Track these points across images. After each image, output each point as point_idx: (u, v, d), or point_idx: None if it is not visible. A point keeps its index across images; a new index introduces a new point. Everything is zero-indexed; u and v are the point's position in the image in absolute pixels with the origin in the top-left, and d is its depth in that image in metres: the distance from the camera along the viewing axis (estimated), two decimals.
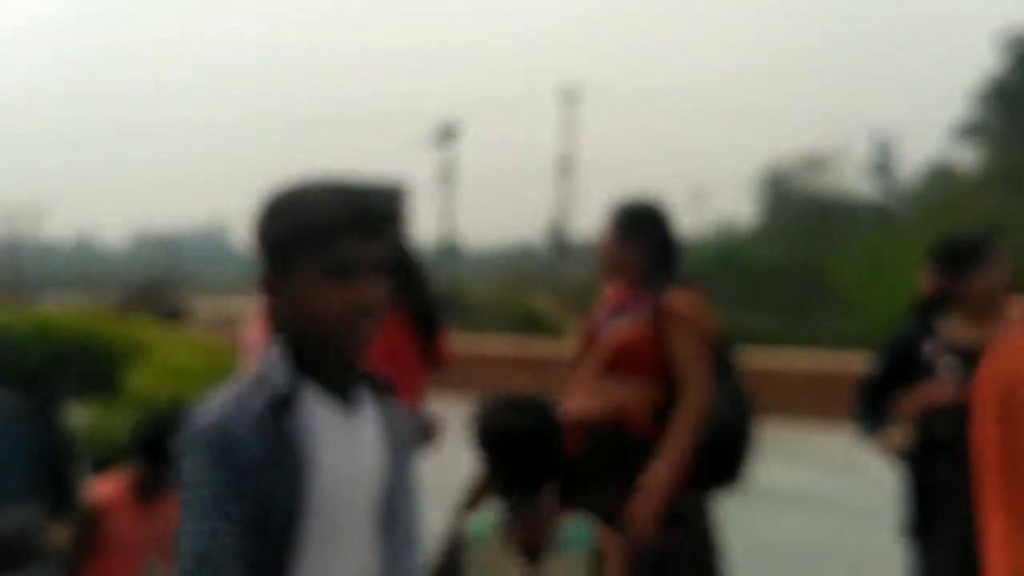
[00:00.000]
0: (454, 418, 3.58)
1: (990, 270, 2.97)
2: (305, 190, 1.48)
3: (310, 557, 1.43)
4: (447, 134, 30.89)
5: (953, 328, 3.03)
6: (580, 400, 2.98)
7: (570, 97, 36.26)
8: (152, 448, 2.98)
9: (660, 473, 2.82)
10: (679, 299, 2.89)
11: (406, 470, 1.63)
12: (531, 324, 17.22)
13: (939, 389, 2.95)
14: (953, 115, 40.09)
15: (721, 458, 2.91)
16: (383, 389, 1.62)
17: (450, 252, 31.81)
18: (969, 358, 2.86)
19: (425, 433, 4.30)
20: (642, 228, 3.00)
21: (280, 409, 1.42)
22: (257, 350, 3.57)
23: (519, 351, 11.89)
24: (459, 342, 5.22)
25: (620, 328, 2.94)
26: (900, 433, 3.16)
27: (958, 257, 3.03)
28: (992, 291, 2.97)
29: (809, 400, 9.79)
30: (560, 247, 31.79)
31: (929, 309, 3.12)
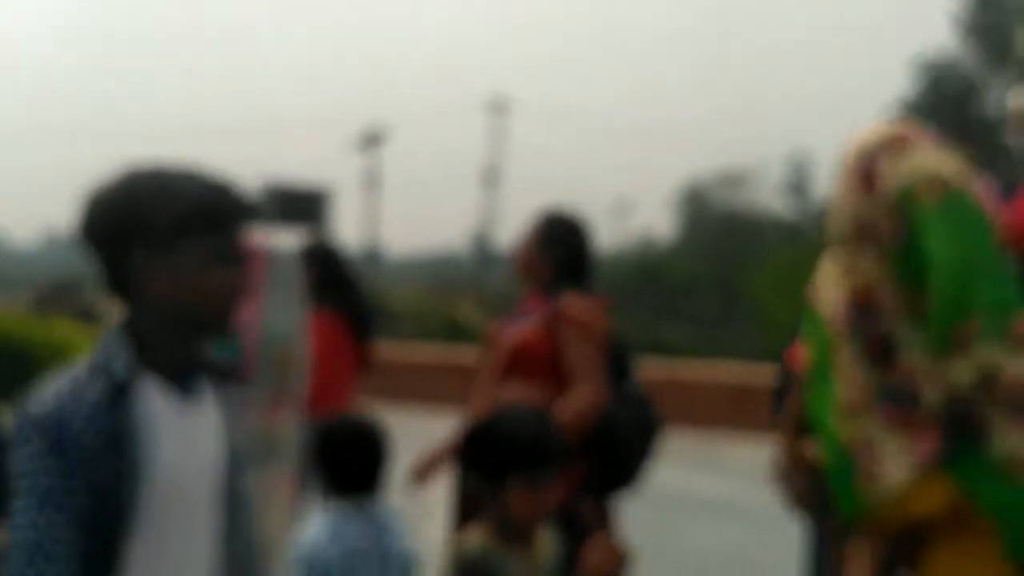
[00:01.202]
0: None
1: None
2: (178, 175, 1.46)
3: (145, 548, 1.41)
4: (372, 140, 30.69)
5: None
6: (477, 404, 3.01)
7: (498, 109, 36.42)
8: None
9: None
10: (575, 304, 2.94)
11: (242, 462, 1.61)
12: (455, 332, 17.27)
13: None
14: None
15: (615, 464, 2.92)
16: (223, 379, 1.60)
17: (373, 258, 31.62)
18: None
19: None
20: (557, 238, 3.07)
21: (118, 397, 1.39)
22: None
23: (443, 358, 11.91)
24: (382, 349, 5.24)
25: (517, 332, 2.99)
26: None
27: None
28: None
29: (725, 411, 10.05)
30: (484, 256, 31.89)
31: None
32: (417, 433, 6.52)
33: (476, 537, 2.00)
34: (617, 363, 3.05)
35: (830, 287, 1.76)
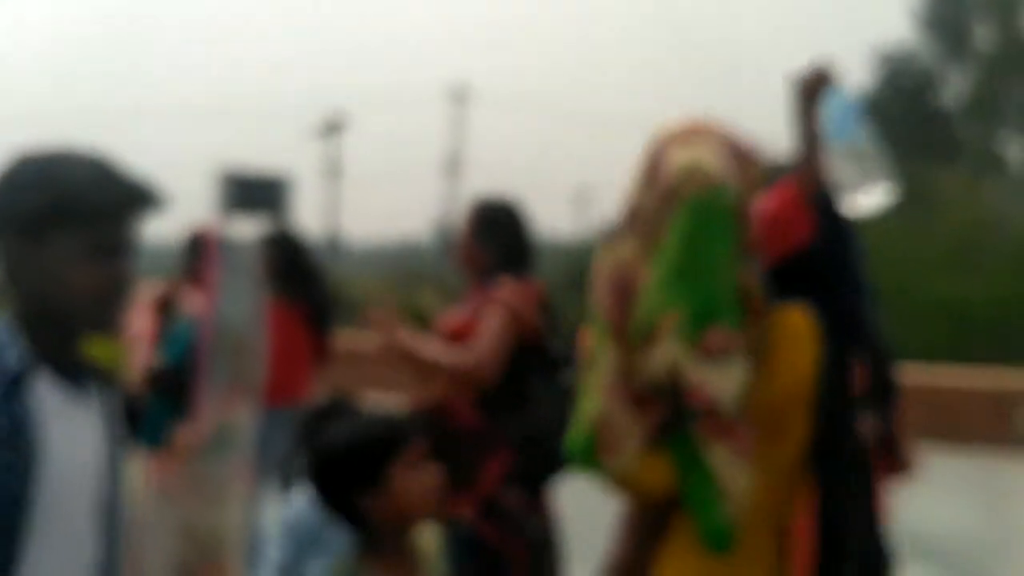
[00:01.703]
0: None
1: None
2: (62, 162, 1.37)
3: (35, 548, 1.34)
4: (332, 128, 30.47)
5: None
6: (415, 391, 3.01)
7: (458, 97, 36.32)
8: None
9: (409, 347, 2.91)
10: (505, 288, 2.91)
11: (122, 463, 1.56)
12: (416, 321, 17.23)
13: None
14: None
15: (540, 453, 2.89)
16: (106, 378, 1.53)
17: (334, 247, 31.43)
18: None
19: None
20: (493, 225, 3.05)
21: (11, 390, 1.33)
22: (143, 341, 3.55)
23: None
24: (343, 339, 5.24)
25: (449, 319, 3.00)
26: None
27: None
28: None
29: None
30: (446, 245, 31.82)
31: None
32: None
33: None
34: (553, 355, 3.00)
35: (604, 273, 1.81)
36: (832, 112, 1.95)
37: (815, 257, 1.94)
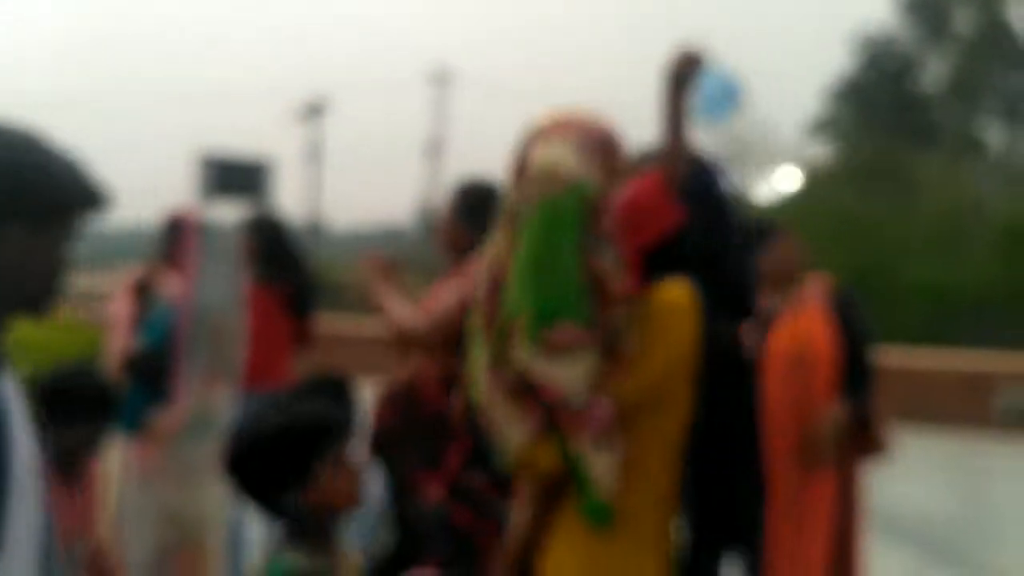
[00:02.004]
0: None
1: (775, 250, 3.33)
2: (10, 150, 1.35)
3: (11, 540, 1.31)
4: (313, 111, 30.28)
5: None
6: (391, 374, 3.01)
7: (441, 80, 36.15)
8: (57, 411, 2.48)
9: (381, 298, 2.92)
10: (475, 264, 2.91)
11: (40, 455, 1.50)
12: None
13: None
14: (808, 112, 42.08)
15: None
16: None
17: (315, 231, 31.32)
18: (764, 322, 3.27)
19: None
20: (477, 208, 3.00)
21: None
22: (121, 325, 3.53)
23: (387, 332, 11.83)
24: (326, 323, 5.22)
25: (425, 299, 2.98)
26: None
27: (754, 238, 3.47)
28: (779, 267, 3.33)
29: None
30: (429, 229, 31.76)
31: None
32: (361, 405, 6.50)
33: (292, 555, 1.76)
34: None
35: (482, 267, 1.89)
36: (706, 91, 1.97)
37: (687, 240, 2.00)
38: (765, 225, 3.51)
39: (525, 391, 1.81)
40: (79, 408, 2.55)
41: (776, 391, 3.22)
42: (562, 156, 1.80)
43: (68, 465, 2.55)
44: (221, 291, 3.40)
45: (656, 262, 1.92)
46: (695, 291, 1.91)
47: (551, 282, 1.78)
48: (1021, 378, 9.03)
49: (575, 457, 1.80)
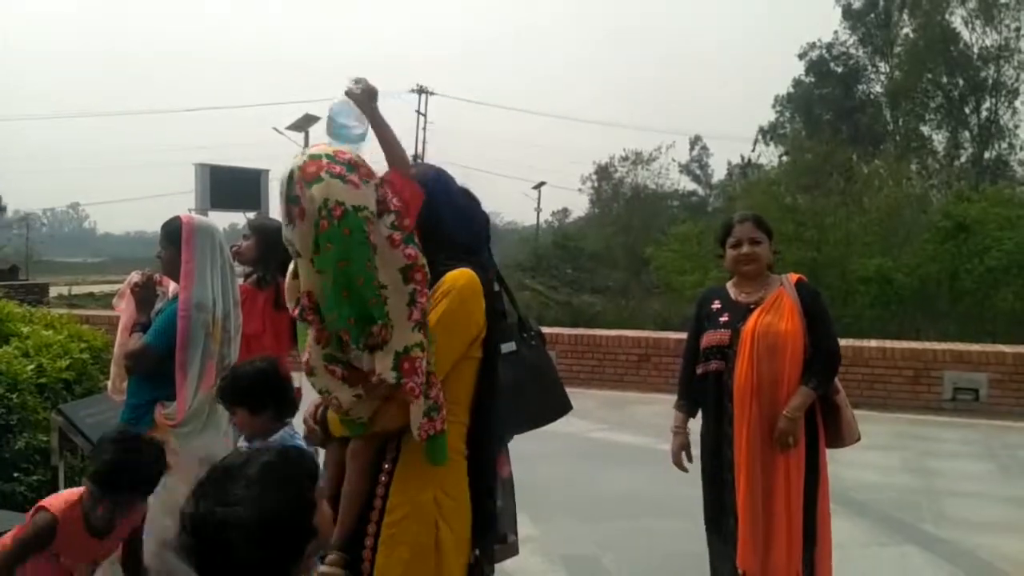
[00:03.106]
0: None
1: (732, 245, 3.41)
2: None
3: None
4: (307, 122, 30.06)
5: (732, 288, 3.49)
6: None
7: (423, 91, 36.09)
8: (107, 483, 2.64)
9: None
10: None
11: None
12: None
13: (715, 334, 3.38)
14: (760, 120, 42.42)
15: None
16: None
17: None
18: (738, 311, 3.37)
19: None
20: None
21: None
22: (127, 326, 3.49)
23: None
24: None
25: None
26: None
27: (719, 236, 3.53)
28: (733, 261, 3.41)
29: (640, 372, 10.22)
30: None
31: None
32: None
33: None
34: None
35: (294, 289, 2.14)
36: (338, 118, 2.21)
37: (444, 232, 2.23)
38: (729, 220, 3.53)
39: (356, 374, 2.10)
40: (134, 487, 2.72)
41: (744, 375, 3.26)
42: (333, 187, 1.98)
43: (110, 524, 2.74)
44: (217, 292, 3.37)
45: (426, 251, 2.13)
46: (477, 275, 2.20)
47: (360, 298, 2.01)
48: (962, 363, 9.13)
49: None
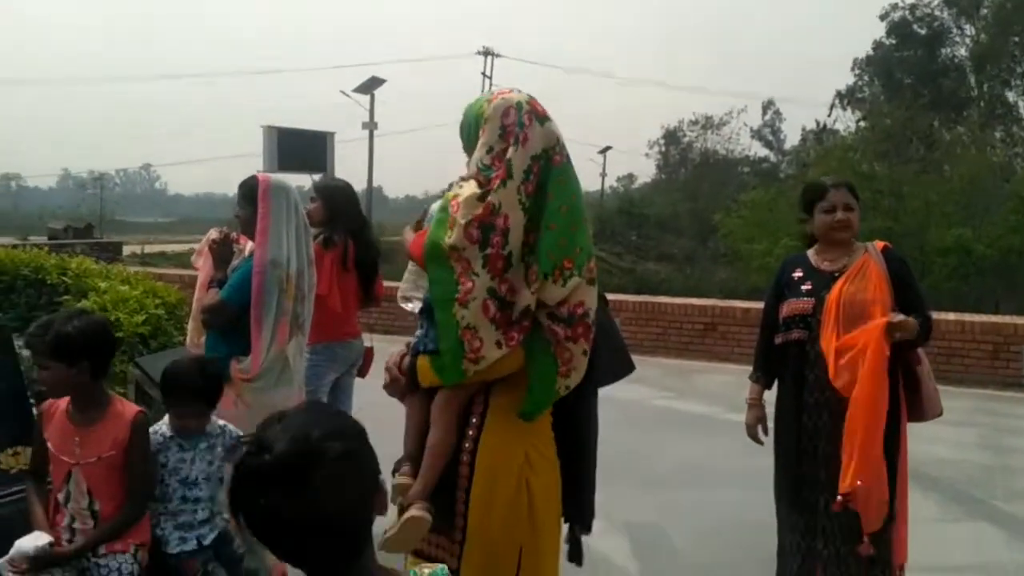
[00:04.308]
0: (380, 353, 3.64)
1: (825, 211, 3.32)
2: None
3: None
4: (372, 85, 30.24)
5: (814, 256, 3.41)
6: None
7: (487, 54, 35.95)
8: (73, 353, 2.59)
9: None
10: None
11: None
12: None
13: (798, 303, 3.31)
14: (837, 83, 41.12)
15: None
16: None
17: (375, 198, 31.37)
18: (821, 280, 3.30)
19: (364, 360, 4.49)
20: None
21: None
22: (204, 282, 3.60)
23: None
24: (388, 285, 5.25)
25: None
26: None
27: (805, 201, 3.44)
28: (827, 228, 3.31)
29: (706, 341, 10.13)
30: None
31: (811, 242, 3.47)
32: None
33: None
34: None
35: (468, 202, 2.08)
36: None
37: None
38: (821, 184, 3.44)
39: (509, 319, 2.07)
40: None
41: (829, 344, 3.19)
42: (557, 131, 2.15)
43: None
44: (291, 249, 3.44)
45: None
46: None
47: (585, 227, 2.14)
48: None
49: (549, 360, 2.12)
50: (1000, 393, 8.55)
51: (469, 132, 2.24)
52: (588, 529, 2.41)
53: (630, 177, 58.54)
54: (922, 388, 3.30)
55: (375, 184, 32.25)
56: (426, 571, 1.39)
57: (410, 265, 2.47)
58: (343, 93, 30.41)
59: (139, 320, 4.69)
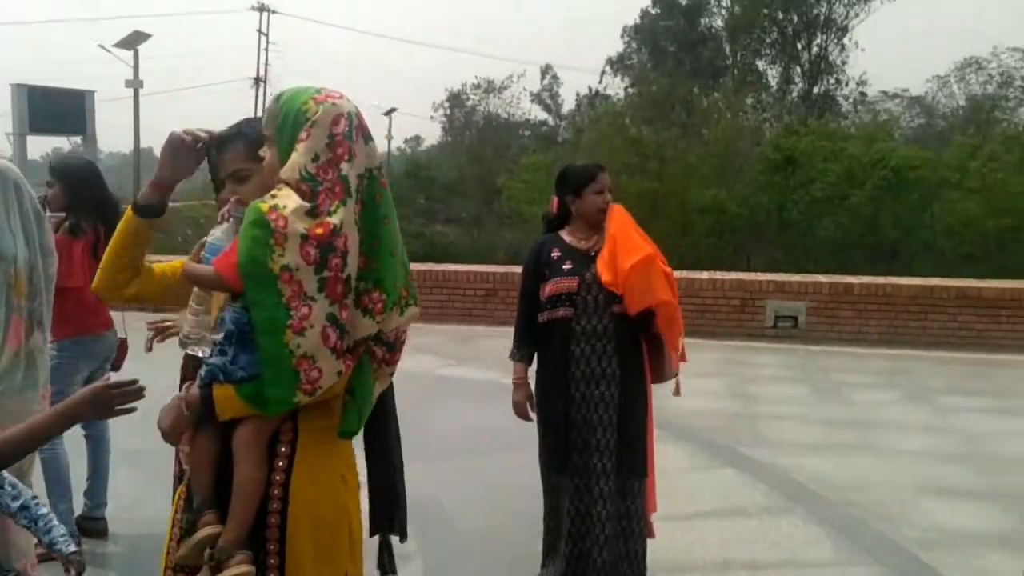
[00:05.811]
0: None
1: (596, 192, 3.53)
2: None
3: None
4: (135, 40, 28.11)
5: (568, 236, 3.61)
6: None
7: (264, 9, 34.27)
8: None
9: None
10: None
11: None
12: None
13: (562, 282, 3.49)
14: (610, 51, 42.84)
15: None
16: None
17: (140, 161, 29.33)
18: (580, 259, 3.51)
19: (119, 352, 4.21)
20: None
21: None
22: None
23: None
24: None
25: None
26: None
27: (574, 184, 3.61)
28: (597, 209, 3.52)
29: (487, 306, 10.37)
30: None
31: (558, 222, 3.67)
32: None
33: None
34: None
35: (298, 216, 1.87)
36: None
37: None
38: (592, 168, 3.64)
39: (344, 347, 1.93)
40: None
41: (596, 318, 3.43)
42: (376, 149, 2.02)
43: None
44: (21, 240, 3.14)
45: None
46: None
47: (403, 259, 2.07)
48: (783, 292, 9.77)
49: (366, 385, 2.06)
50: (747, 343, 9.39)
51: (284, 127, 1.95)
52: (404, 536, 2.40)
53: (417, 139, 58.21)
54: (663, 349, 3.58)
55: (145, 146, 30.13)
56: None
57: (191, 302, 2.18)
58: (102, 48, 28.08)
59: None
